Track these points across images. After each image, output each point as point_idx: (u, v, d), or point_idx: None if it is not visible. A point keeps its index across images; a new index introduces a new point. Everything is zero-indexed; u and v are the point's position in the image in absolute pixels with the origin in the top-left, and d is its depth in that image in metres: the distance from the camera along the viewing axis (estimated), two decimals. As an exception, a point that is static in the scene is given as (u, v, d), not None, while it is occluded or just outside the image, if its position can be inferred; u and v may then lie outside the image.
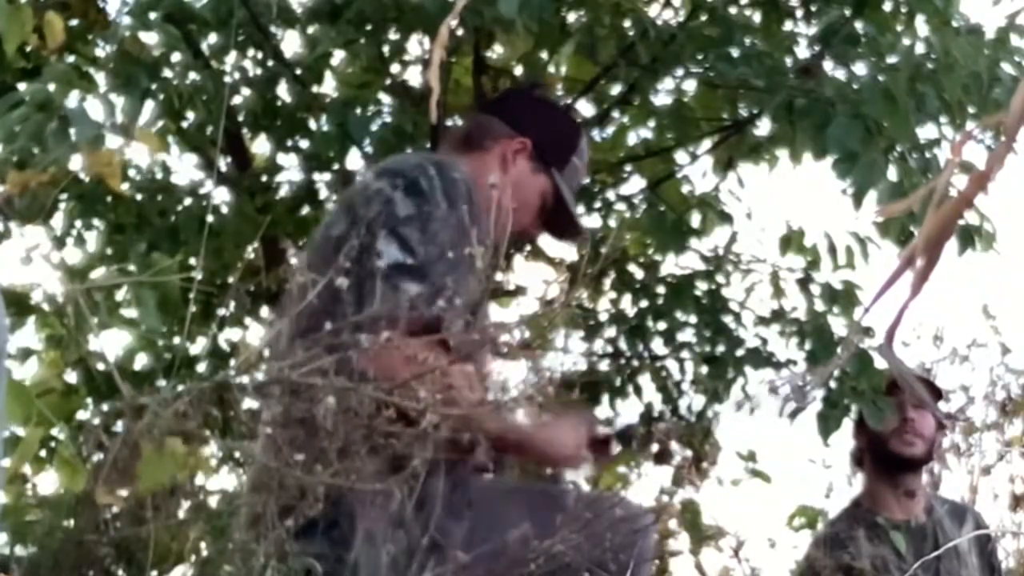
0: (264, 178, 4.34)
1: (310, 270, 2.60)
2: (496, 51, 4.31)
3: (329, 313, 2.43)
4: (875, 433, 4.03)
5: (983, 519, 4.21)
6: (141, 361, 4.54)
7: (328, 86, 4.36)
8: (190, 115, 4.17)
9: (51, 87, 3.31)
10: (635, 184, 4.54)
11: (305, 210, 4.29)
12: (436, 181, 2.63)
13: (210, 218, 4.12)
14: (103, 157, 2.77)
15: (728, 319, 4.35)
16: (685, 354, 4.35)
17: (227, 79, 3.96)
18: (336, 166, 4.23)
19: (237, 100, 4.21)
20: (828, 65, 4.09)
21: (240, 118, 4.28)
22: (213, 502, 2.27)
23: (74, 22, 3.93)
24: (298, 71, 4.21)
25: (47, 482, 3.94)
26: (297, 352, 2.26)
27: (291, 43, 4.30)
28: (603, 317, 4.43)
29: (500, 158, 2.82)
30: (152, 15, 3.77)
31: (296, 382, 2.18)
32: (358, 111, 3.98)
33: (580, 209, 2.95)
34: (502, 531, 2.63)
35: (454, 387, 2.24)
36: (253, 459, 2.23)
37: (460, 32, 3.99)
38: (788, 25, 4.13)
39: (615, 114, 4.44)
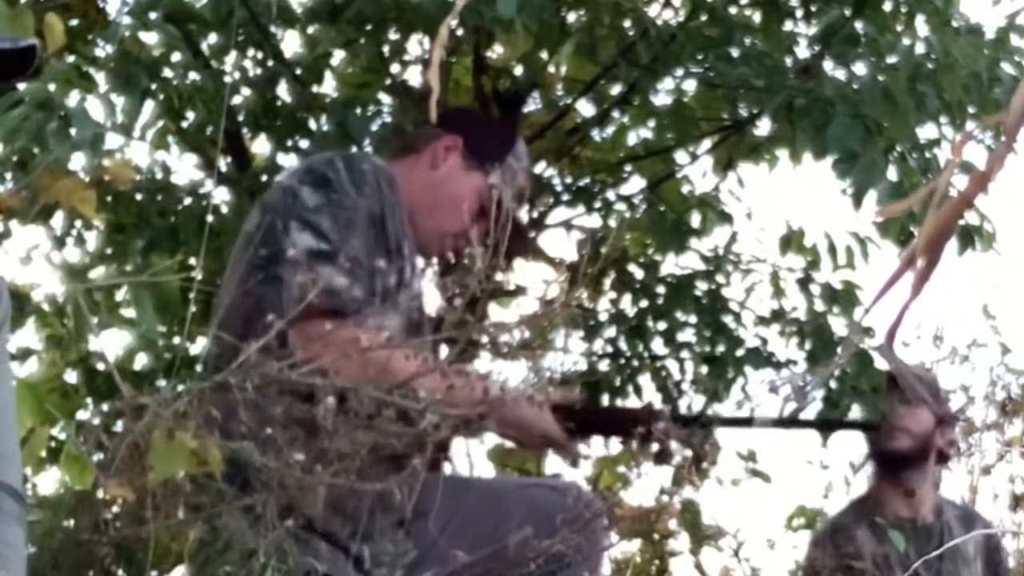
0: (264, 178, 4.33)
1: (231, 268, 2.65)
2: (496, 51, 4.31)
3: (243, 306, 2.49)
4: (868, 432, 4.04)
5: (994, 527, 4.20)
6: (141, 361, 4.54)
7: (328, 86, 4.37)
8: (190, 115, 4.17)
9: (51, 87, 3.31)
10: (635, 184, 4.54)
11: (305, 210, 4.29)
12: (343, 172, 2.66)
13: (210, 218, 4.11)
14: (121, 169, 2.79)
15: (728, 319, 4.35)
16: (685, 354, 4.35)
17: (227, 79, 3.96)
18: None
19: (237, 100, 4.21)
20: (828, 65, 4.09)
21: (240, 118, 4.28)
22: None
23: (74, 22, 3.93)
24: (298, 71, 4.21)
25: (47, 482, 3.94)
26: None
27: (291, 43, 4.31)
28: (603, 317, 4.43)
29: (430, 156, 2.82)
30: (152, 15, 3.76)
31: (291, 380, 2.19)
32: (358, 111, 3.98)
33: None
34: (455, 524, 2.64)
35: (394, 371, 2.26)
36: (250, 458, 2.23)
37: (460, 32, 3.99)
38: (788, 25, 4.13)
39: (615, 114, 4.44)
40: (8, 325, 1.97)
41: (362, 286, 2.55)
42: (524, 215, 2.92)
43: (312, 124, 4.23)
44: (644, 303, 4.41)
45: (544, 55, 4.17)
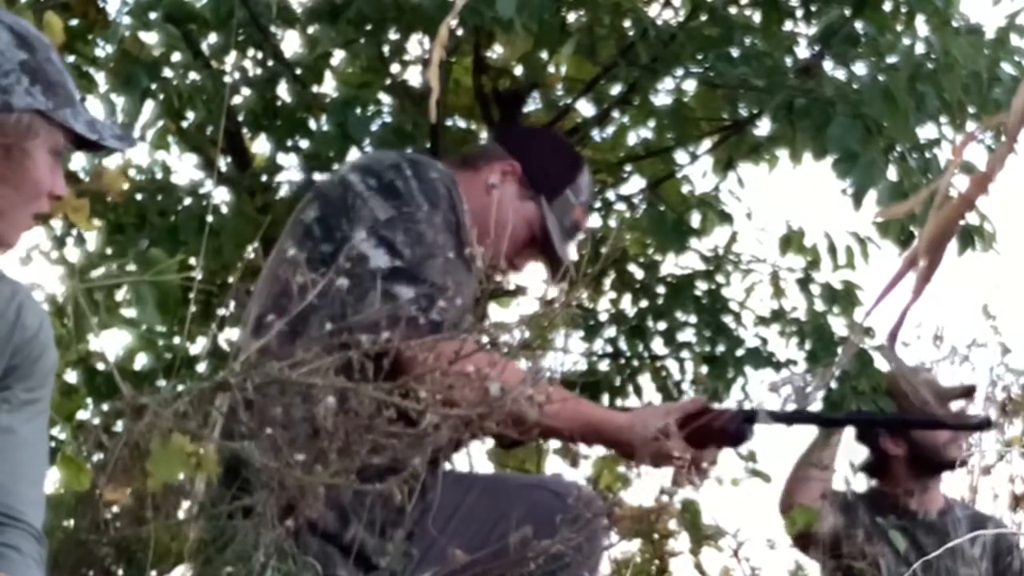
0: (264, 178, 4.34)
1: (280, 255, 2.61)
2: (496, 51, 4.31)
3: (298, 299, 2.45)
4: (924, 440, 4.01)
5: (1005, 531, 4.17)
6: (141, 361, 4.54)
7: (328, 86, 4.37)
8: (190, 115, 4.17)
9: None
10: (635, 184, 4.54)
11: (305, 210, 4.30)
12: (412, 182, 2.60)
13: (210, 218, 4.12)
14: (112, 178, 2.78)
15: (728, 319, 4.35)
16: (685, 354, 4.35)
17: (227, 79, 3.96)
18: (336, 166, 4.23)
19: (237, 100, 4.21)
20: (828, 65, 4.09)
21: (240, 118, 4.28)
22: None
23: (74, 22, 3.93)
24: (298, 71, 4.21)
25: (47, 482, 3.93)
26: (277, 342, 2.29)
27: (291, 43, 4.31)
28: (603, 317, 4.43)
29: (486, 177, 2.78)
30: (152, 15, 3.77)
31: (297, 381, 2.19)
32: (358, 111, 3.98)
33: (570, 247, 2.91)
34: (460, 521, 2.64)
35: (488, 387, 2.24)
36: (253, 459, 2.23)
37: (460, 32, 4.00)
38: (788, 25, 4.14)
39: (615, 114, 4.44)
40: (34, 368, 1.95)
41: (445, 312, 2.51)
42: (573, 251, 2.89)
43: (312, 124, 4.23)
44: (644, 303, 4.41)
45: (544, 55, 4.17)
